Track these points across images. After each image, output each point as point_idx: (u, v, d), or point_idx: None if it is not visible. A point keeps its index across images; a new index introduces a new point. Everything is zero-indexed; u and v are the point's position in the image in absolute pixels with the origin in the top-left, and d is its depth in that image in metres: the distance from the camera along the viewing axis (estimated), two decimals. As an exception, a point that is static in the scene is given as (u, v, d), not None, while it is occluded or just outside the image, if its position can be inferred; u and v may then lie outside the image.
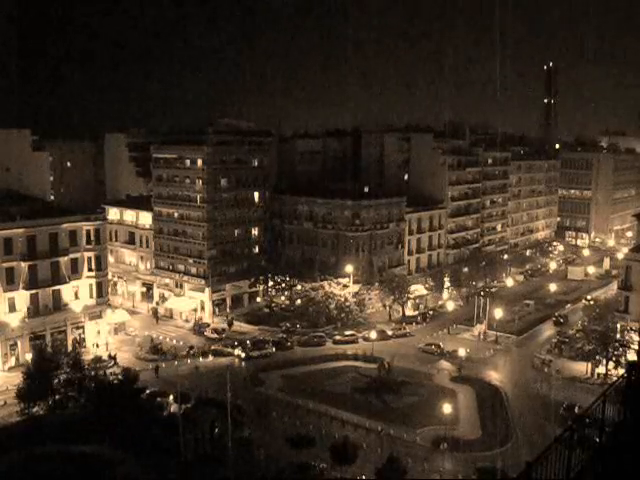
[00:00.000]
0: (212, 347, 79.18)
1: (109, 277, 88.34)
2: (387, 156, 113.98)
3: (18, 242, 72.25)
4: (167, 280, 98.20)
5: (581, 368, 72.46)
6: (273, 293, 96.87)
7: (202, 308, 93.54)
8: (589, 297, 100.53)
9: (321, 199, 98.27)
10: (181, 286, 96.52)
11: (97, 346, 78.24)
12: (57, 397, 54.43)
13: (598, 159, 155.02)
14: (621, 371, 53.07)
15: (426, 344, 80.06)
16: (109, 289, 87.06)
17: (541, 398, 64.88)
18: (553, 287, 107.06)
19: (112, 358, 74.30)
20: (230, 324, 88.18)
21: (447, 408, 58.21)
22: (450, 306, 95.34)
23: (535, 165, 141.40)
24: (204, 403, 53.61)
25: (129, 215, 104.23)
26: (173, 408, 56.17)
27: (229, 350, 77.89)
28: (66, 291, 77.21)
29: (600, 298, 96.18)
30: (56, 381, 55.55)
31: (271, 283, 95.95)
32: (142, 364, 73.38)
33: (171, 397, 58.47)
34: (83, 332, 78.95)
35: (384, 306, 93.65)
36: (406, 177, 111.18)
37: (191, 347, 79.85)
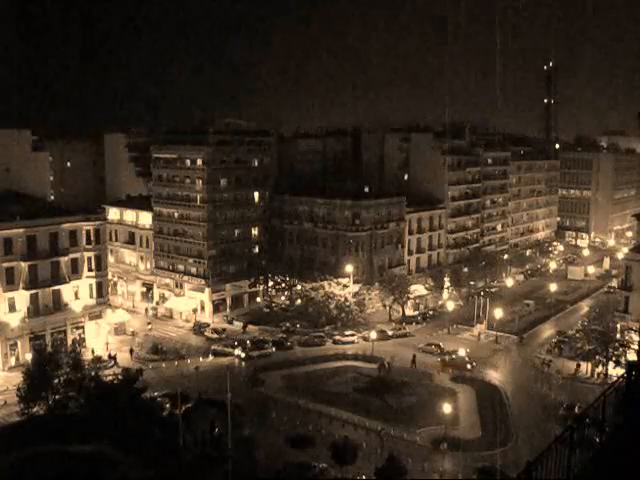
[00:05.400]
0: (212, 347, 79.26)
1: (109, 277, 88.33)
2: (387, 156, 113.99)
3: (18, 242, 72.24)
4: (167, 280, 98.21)
5: (581, 368, 72.40)
6: (273, 293, 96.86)
7: (202, 308, 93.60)
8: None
9: (321, 199, 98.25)
10: (181, 286, 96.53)
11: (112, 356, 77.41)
12: (57, 397, 54.36)
13: (598, 159, 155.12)
14: (621, 371, 53.07)
15: (426, 344, 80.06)
16: (109, 289, 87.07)
17: (541, 398, 64.92)
18: (553, 287, 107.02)
19: (112, 358, 74.37)
20: (245, 326, 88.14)
21: (447, 408, 58.22)
22: (450, 306, 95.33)
23: (535, 165, 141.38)
24: (204, 403, 53.59)
25: (129, 215, 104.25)
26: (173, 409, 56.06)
27: (229, 350, 77.92)
28: (66, 291, 77.20)
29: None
30: (56, 381, 55.49)
31: (271, 283, 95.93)
32: (142, 364, 73.37)
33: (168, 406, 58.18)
34: (83, 332, 78.93)
35: (384, 306, 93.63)
36: (406, 177, 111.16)
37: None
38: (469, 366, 73.11)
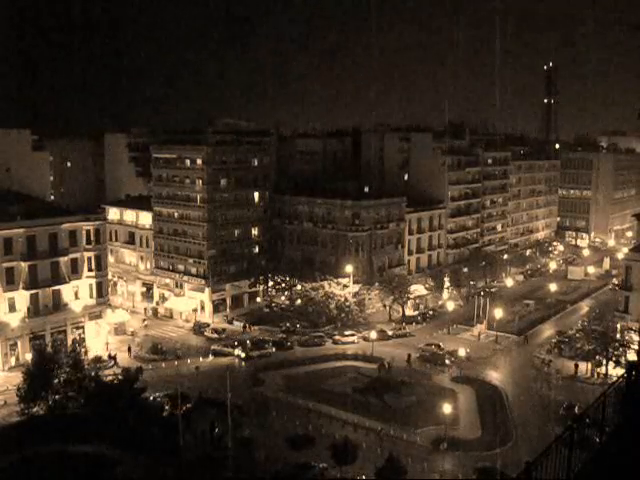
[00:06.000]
0: (212, 347, 79.28)
1: (109, 277, 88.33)
2: (387, 156, 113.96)
3: (18, 242, 72.22)
4: (167, 280, 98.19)
5: (581, 368, 72.44)
6: (273, 293, 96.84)
7: (202, 308, 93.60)
8: None
9: (321, 199, 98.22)
10: (181, 286, 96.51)
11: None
12: (57, 397, 54.38)
13: (598, 159, 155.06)
14: (621, 371, 53.08)
15: (426, 344, 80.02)
16: (109, 289, 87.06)
17: (541, 398, 64.91)
18: (553, 287, 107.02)
19: (112, 358, 74.36)
20: (245, 327, 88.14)
21: (447, 408, 58.20)
22: (450, 306, 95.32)
23: (535, 165, 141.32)
24: (204, 403, 53.61)
25: (129, 215, 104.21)
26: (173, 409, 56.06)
27: (229, 350, 77.93)
28: (66, 291, 77.17)
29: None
30: (56, 381, 55.50)
31: (271, 283, 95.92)
32: (142, 363, 73.33)
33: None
34: (83, 332, 78.90)
35: (384, 306, 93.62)
36: (406, 177, 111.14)
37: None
38: (448, 361, 74.12)
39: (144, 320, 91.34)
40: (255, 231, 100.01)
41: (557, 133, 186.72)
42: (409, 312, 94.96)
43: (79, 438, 45.34)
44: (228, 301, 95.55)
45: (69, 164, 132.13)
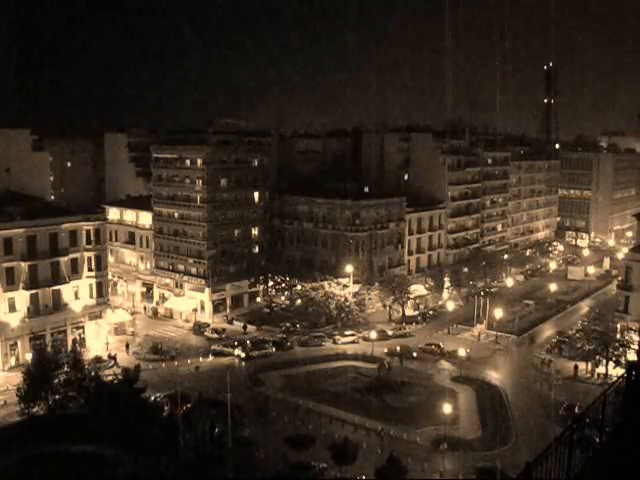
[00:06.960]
0: (212, 347, 79.28)
1: (109, 277, 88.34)
2: (387, 156, 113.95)
3: (18, 242, 72.23)
4: (167, 280, 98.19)
5: (581, 368, 72.44)
6: (273, 293, 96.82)
7: (202, 308, 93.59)
8: None
9: (321, 199, 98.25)
10: (181, 286, 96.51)
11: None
12: (57, 397, 54.36)
13: (598, 159, 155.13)
14: (621, 371, 53.01)
15: (426, 344, 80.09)
16: (109, 289, 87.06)
17: (541, 398, 64.91)
18: (553, 287, 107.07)
19: (112, 358, 74.36)
20: (245, 327, 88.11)
21: (447, 408, 58.20)
22: (450, 306, 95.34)
23: (535, 165, 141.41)
24: (204, 403, 53.57)
25: (129, 215, 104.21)
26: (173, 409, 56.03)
27: (229, 350, 77.92)
28: (66, 291, 77.18)
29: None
30: (56, 381, 55.50)
31: (271, 283, 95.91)
32: (141, 361, 73.36)
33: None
34: (83, 332, 78.94)
35: (384, 306, 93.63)
36: (406, 177, 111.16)
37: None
38: (415, 354, 76.74)
39: (133, 314, 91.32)
40: (255, 231, 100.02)
41: (557, 133, 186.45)
42: (409, 312, 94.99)
43: (79, 438, 45.28)
44: (228, 301, 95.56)
45: (69, 164, 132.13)
